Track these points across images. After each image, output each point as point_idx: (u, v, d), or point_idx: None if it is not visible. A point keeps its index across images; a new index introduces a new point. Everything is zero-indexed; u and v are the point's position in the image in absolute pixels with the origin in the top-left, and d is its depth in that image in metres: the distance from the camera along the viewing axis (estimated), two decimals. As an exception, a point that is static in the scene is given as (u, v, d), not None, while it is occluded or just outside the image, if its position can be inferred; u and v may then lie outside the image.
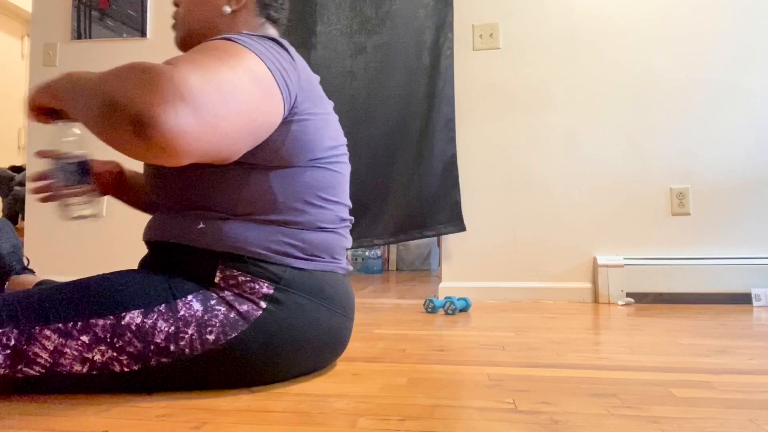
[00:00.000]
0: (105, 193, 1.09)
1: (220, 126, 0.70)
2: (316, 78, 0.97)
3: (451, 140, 2.22)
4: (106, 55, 2.53)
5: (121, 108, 0.65)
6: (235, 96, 0.72)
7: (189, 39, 1.00)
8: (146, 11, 2.51)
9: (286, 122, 0.86)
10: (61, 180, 0.85)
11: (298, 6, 2.35)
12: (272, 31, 1.03)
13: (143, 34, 2.51)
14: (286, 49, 0.88)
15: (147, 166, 0.95)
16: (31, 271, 1.44)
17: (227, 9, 0.97)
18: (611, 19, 2.20)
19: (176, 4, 1.02)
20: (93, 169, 0.90)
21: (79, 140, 0.87)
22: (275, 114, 0.82)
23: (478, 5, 2.28)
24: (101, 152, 2.42)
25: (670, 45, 2.15)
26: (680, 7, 2.16)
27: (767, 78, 2.09)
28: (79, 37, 2.54)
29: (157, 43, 2.51)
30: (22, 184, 3.11)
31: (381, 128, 2.24)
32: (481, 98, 2.25)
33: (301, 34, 2.33)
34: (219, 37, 0.82)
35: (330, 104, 0.99)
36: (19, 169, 3.28)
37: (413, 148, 2.23)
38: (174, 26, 1.02)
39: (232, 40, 0.80)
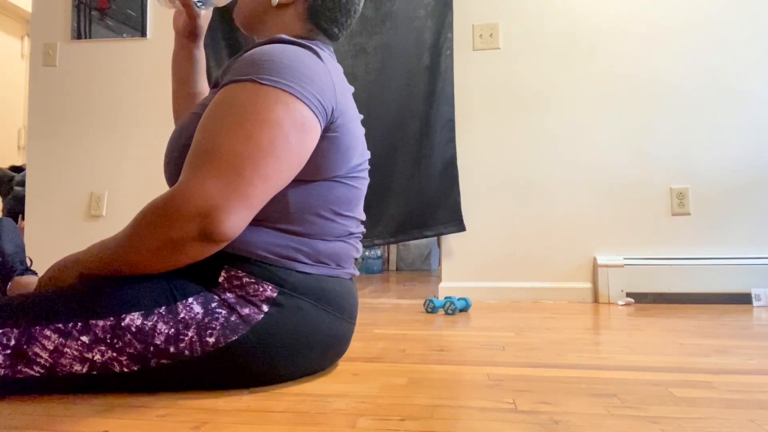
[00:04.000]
0: (178, 19, 1.15)
1: (252, 200, 0.78)
2: (350, 89, 0.97)
3: (451, 140, 2.22)
4: (106, 55, 2.53)
5: (183, 252, 0.78)
6: (256, 167, 0.78)
7: (241, 19, 1.03)
8: (146, 11, 2.51)
9: (320, 137, 0.87)
10: None
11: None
12: (321, 37, 1.00)
13: (143, 34, 2.51)
14: (320, 57, 0.88)
15: (166, 161, 0.94)
16: (34, 273, 1.44)
17: (275, 0, 0.96)
18: (611, 20, 2.20)
19: None
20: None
21: None
22: (312, 138, 0.84)
23: (478, 5, 2.28)
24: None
25: (670, 45, 2.16)
26: (680, 7, 2.16)
27: (767, 79, 2.09)
28: (79, 37, 2.54)
29: (157, 43, 2.51)
30: (22, 184, 3.11)
31: (381, 128, 2.24)
32: (481, 98, 2.25)
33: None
34: (245, 77, 0.82)
35: (359, 117, 0.99)
36: (19, 169, 3.28)
37: (413, 148, 2.23)
38: (234, 7, 1.05)
39: (257, 82, 0.81)
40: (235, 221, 0.77)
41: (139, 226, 0.78)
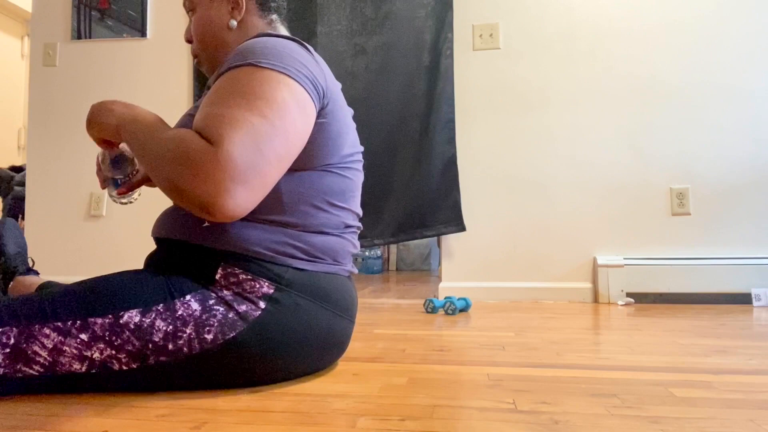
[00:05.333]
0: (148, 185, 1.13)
1: (267, 179, 0.76)
2: (338, 85, 0.98)
3: (451, 140, 2.22)
4: (106, 55, 2.53)
5: (186, 196, 0.73)
6: (272, 146, 0.76)
7: (214, 65, 1.02)
8: (146, 11, 2.51)
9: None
10: (105, 177, 1.02)
11: (298, 7, 2.35)
12: (282, 29, 1.04)
13: (143, 34, 2.51)
14: (308, 49, 0.90)
15: None
16: (36, 273, 1.44)
17: (233, 23, 0.99)
18: (611, 20, 2.20)
19: (189, 41, 1.04)
20: (131, 177, 1.03)
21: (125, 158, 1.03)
22: (310, 121, 0.84)
23: (478, 5, 2.28)
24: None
25: (670, 45, 2.15)
26: (680, 7, 2.16)
27: (767, 78, 2.09)
28: (79, 37, 2.54)
29: (157, 43, 2.51)
30: (22, 183, 3.11)
31: (381, 128, 2.24)
32: (481, 98, 2.25)
33: (301, 36, 2.33)
34: (243, 62, 0.82)
35: (350, 111, 0.99)
36: (19, 169, 3.28)
37: (413, 148, 2.23)
38: (198, 63, 1.04)
39: (256, 65, 0.81)
40: (246, 200, 0.74)
41: (168, 152, 0.75)
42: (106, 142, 0.94)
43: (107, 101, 0.89)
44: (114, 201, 1.05)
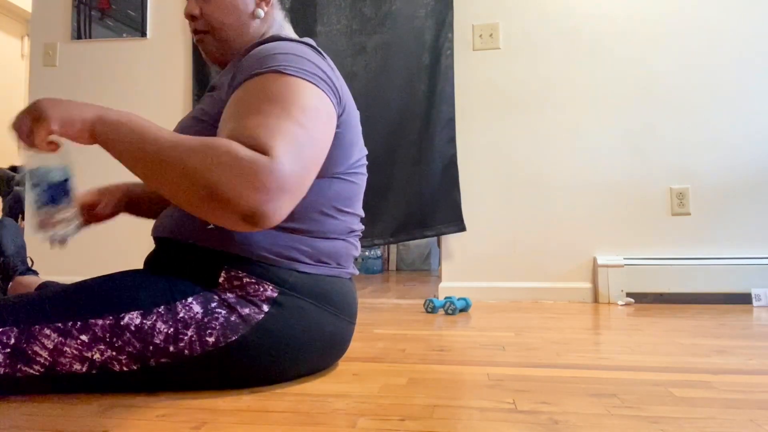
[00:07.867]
0: (93, 221, 1.08)
1: (304, 188, 0.75)
2: (346, 86, 0.97)
3: (451, 140, 2.22)
4: (106, 55, 2.53)
5: (229, 202, 0.68)
6: (310, 154, 0.75)
7: (224, 50, 0.99)
8: (146, 11, 2.51)
9: None
10: (42, 202, 0.79)
11: (298, 6, 2.35)
12: (288, 26, 1.05)
13: (143, 34, 2.51)
14: (321, 54, 0.90)
15: None
16: (35, 272, 1.44)
17: (261, 12, 0.99)
18: (611, 19, 2.20)
19: (194, 18, 0.97)
20: (74, 196, 0.83)
21: (64, 169, 0.80)
22: (334, 129, 0.84)
23: (478, 5, 2.28)
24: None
25: (671, 45, 2.15)
26: (680, 7, 2.16)
27: (766, 79, 2.09)
28: (79, 37, 2.54)
29: (157, 43, 2.51)
30: (22, 183, 3.11)
31: (381, 128, 2.24)
32: (481, 98, 2.25)
33: (301, 35, 2.33)
34: (267, 69, 0.80)
35: (357, 114, 0.99)
36: (19, 169, 3.28)
37: (413, 148, 2.23)
38: (202, 40, 0.98)
39: (283, 73, 0.79)
40: (286, 210, 0.72)
41: (210, 160, 0.69)
42: (51, 143, 0.77)
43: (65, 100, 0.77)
44: (50, 237, 0.79)
